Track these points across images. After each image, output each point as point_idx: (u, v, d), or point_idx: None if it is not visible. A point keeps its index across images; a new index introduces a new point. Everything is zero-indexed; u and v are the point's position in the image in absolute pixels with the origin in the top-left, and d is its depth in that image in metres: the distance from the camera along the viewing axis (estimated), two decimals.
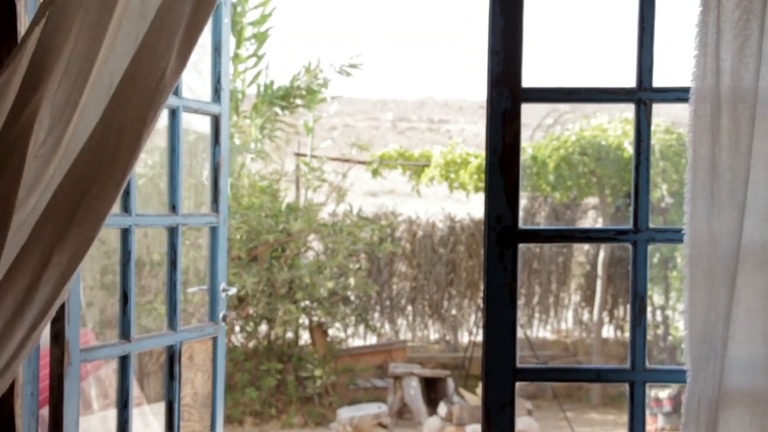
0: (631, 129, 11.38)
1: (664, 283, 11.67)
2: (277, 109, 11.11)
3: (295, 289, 10.76)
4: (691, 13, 2.42)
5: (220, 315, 3.91)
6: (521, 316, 12.79)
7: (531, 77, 2.57)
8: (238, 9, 10.69)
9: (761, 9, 2.34)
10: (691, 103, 2.39)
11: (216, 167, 3.83)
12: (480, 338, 11.56)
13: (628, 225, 2.59)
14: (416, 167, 13.16)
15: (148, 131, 2.33)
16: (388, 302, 13.15)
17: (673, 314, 11.69)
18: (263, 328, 11.07)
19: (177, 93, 3.55)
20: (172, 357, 3.54)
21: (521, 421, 9.35)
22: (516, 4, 2.52)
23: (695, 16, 2.39)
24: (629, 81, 2.58)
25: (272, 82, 11.26)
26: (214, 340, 3.90)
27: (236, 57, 10.89)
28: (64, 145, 2.31)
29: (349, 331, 12.52)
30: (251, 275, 10.29)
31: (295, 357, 10.91)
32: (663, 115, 13.24)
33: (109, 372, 5.00)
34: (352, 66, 11.59)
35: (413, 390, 10.54)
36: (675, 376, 2.74)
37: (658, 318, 12.23)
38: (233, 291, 3.98)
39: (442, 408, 10.07)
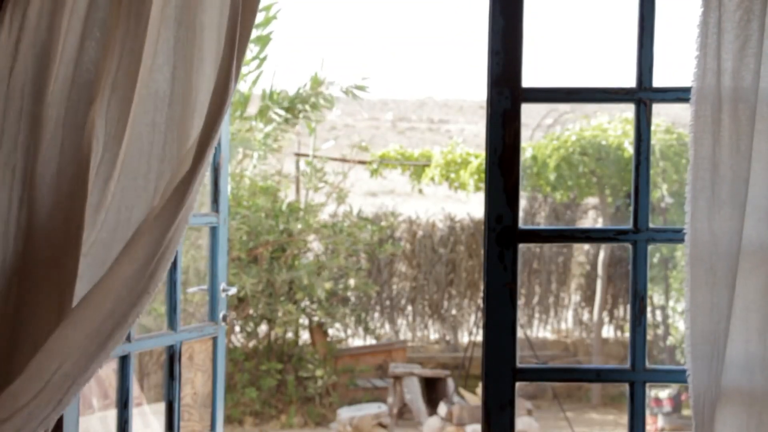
0: (631, 129, 11.37)
1: (664, 283, 11.67)
2: (281, 112, 11.11)
3: (295, 289, 10.76)
4: (691, 13, 2.42)
5: (220, 315, 3.91)
6: (521, 316, 12.79)
7: (531, 77, 2.57)
8: None
9: (762, 9, 2.34)
10: (692, 103, 2.38)
11: (216, 167, 3.83)
12: (480, 338, 11.55)
13: (628, 225, 2.59)
14: (416, 167, 13.16)
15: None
16: (388, 302, 13.14)
17: (673, 314, 11.69)
18: (263, 328, 11.07)
19: None
20: (172, 357, 3.54)
21: (521, 421, 9.35)
22: (516, 4, 2.52)
23: (696, 16, 2.39)
24: (629, 81, 2.58)
25: (278, 93, 11.26)
26: (214, 340, 3.90)
27: None
28: (121, 160, 2.36)
29: (349, 331, 12.52)
30: (251, 275, 10.29)
31: (295, 357, 10.91)
32: (663, 115, 13.24)
33: (109, 372, 5.00)
34: (359, 88, 11.61)
35: (413, 390, 10.54)
36: (675, 376, 2.74)
37: (658, 318, 12.23)
38: (233, 291, 3.98)
39: (442, 408, 10.07)
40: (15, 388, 2.26)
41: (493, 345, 2.53)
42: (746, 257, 2.36)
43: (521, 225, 2.54)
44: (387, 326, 13.15)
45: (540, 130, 13.44)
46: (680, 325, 11.48)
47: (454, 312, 13.18)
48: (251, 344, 11.00)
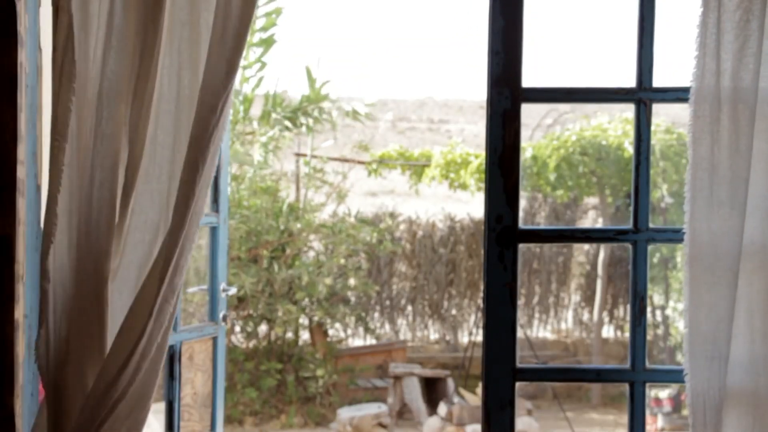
0: (631, 129, 11.37)
1: (664, 283, 11.67)
2: (283, 118, 11.13)
3: (294, 289, 10.76)
4: (691, 13, 2.42)
5: (220, 315, 3.92)
6: (521, 316, 12.79)
7: (531, 77, 2.57)
8: None
9: (761, 9, 2.34)
10: (691, 104, 2.38)
11: (216, 167, 3.83)
12: (480, 338, 11.55)
13: (628, 225, 2.59)
14: (416, 167, 13.15)
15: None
16: (388, 302, 13.14)
17: (673, 314, 11.69)
18: (263, 328, 11.07)
19: None
20: (172, 357, 3.54)
21: (521, 421, 9.35)
22: (516, 4, 2.52)
23: (695, 16, 2.39)
24: (629, 81, 2.58)
25: (281, 97, 11.27)
26: (214, 340, 3.91)
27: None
28: (145, 162, 2.39)
29: (349, 331, 12.52)
30: (251, 275, 10.29)
31: (295, 357, 10.91)
32: (663, 115, 13.24)
33: None
34: (366, 116, 11.64)
35: (413, 390, 10.54)
36: (675, 376, 2.74)
37: (658, 318, 12.23)
38: (233, 291, 3.98)
39: (442, 408, 10.07)
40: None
41: (493, 345, 2.53)
42: (748, 258, 2.35)
43: (521, 225, 2.54)
44: (387, 326, 13.14)
45: (540, 130, 13.44)
46: (680, 325, 11.48)
47: (454, 312, 13.18)
48: (251, 344, 11.00)
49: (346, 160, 12.88)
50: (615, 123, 11.86)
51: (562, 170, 11.54)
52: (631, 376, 2.56)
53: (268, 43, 10.88)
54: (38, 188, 2.55)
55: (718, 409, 2.38)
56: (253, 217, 10.48)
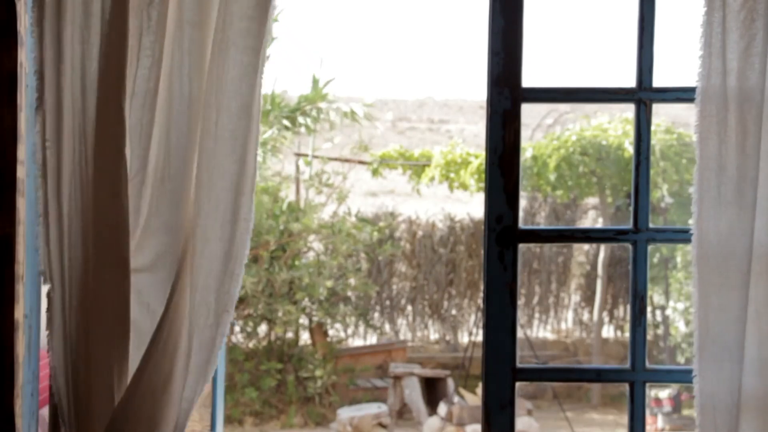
0: (631, 129, 11.38)
1: (664, 283, 11.67)
2: (282, 117, 11.12)
3: (295, 289, 10.76)
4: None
5: None
6: (521, 316, 12.79)
7: (531, 77, 2.57)
8: None
9: (766, 8, 2.34)
10: (697, 104, 2.38)
11: None
12: (480, 338, 11.56)
13: (628, 225, 2.59)
14: (416, 167, 13.16)
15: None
16: (388, 302, 13.15)
17: (673, 314, 11.70)
18: (263, 328, 11.08)
19: None
20: None
21: (521, 421, 9.35)
22: (516, 4, 2.52)
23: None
24: (629, 81, 2.58)
25: (280, 97, 11.27)
26: None
27: None
28: (152, 164, 2.36)
29: (349, 331, 12.53)
30: (251, 275, 10.29)
31: (295, 357, 10.92)
32: (663, 115, 13.25)
33: None
34: (366, 117, 11.64)
35: (413, 390, 10.55)
36: (675, 376, 2.74)
37: (658, 318, 12.24)
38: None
39: (442, 408, 10.07)
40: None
41: (493, 345, 2.53)
42: (756, 260, 2.34)
43: (521, 225, 2.53)
44: (387, 326, 13.15)
45: (540, 130, 13.45)
46: (680, 325, 11.49)
47: (454, 312, 13.19)
48: (251, 344, 11.00)
49: (346, 161, 12.89)
50: (615, 123, 11.87)
51: (562, 170, 11.55)
52: (631, 376, 2.56)
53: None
54: (38, 188, 2.55)
55: (728, 411, 2.36)
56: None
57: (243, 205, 2.37)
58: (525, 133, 12.77)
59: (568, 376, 3.12)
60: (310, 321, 11.27)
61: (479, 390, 9.68)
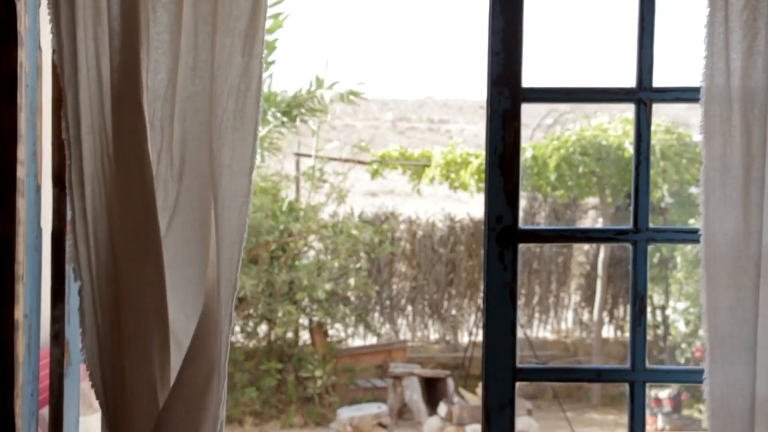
0: (631, 129, 11.38)
1: (664, 283, 11.67)
2: (279, 115, 11.12)
3: (294, 289, 10.76)
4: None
5: None
6: (521, 316, 12.80)
7: (531, 77, 2.57)
8: None
9: None
10: (702, 104, 2.37)
11: None
12: (480, 338, 11.56)
13: (628, 225, 2.59)
14: (416, 167, 13.17)
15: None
16: (388, 302, 13.15)
17: (673, 314, 11.70)
18: (263, 328, 11.08)
19: None
20: None
21: (521, 421, 9.36)
22: (516, 4, 2.52)
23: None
24: (629, 81, 2.58)
25: (276, 94, 11.27)
26: None
27: None
28: (177, 160, 2.36)
29: (349, 331, 12.53)
30: (251, 276, 10.29)
31: (295, 357, 10.92)
32: (663, 115, 13.25)
33: None
34: (355, 94, 11.62)
35: (413, 390, 10.55)
36: (675, 376, 2.74)
37: (658, 318, 12.24)
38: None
39: (442, 408, 10.07)
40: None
41: (493, 345, 2.53)
42: (766, 260, 2.33)
43: (521, 225, 2.53)
44: (387, 326, 13.15)
45: (540, 130, 13.45)
46: (680, 325, 11.49)
47: (454, 312, 13.19)
48: (251, 344, 11.01)
49: (346, 161, 12.90)
50: (615, 123, 11.87)
51: (562, 170, 11.55)
52: (631, 376, 2.56)
53: (269, 47, 10.90)
54: (38, 188, 2.55)
55: (740, 416, 2.34)
56: (253, 217, 10.48)
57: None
58: (525, 133, 12.77)
59: (568, 376, 3.12)
60: (310, 321, 11.27)
61: (479, 390, 9.68)
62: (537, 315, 13.52)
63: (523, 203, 12.90)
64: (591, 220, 13.55)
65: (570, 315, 13.62)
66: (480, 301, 12.52)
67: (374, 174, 13.18)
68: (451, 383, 10.60)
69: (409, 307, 13.23)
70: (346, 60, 32.03)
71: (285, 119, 11.17)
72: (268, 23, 10.63)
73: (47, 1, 2.40)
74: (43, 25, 2.55)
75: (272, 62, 11.11)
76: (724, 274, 2.35)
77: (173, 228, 2.38)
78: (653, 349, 11.97)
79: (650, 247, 2.70)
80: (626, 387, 2.57)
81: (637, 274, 2.55)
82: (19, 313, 2.44)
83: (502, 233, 2.53)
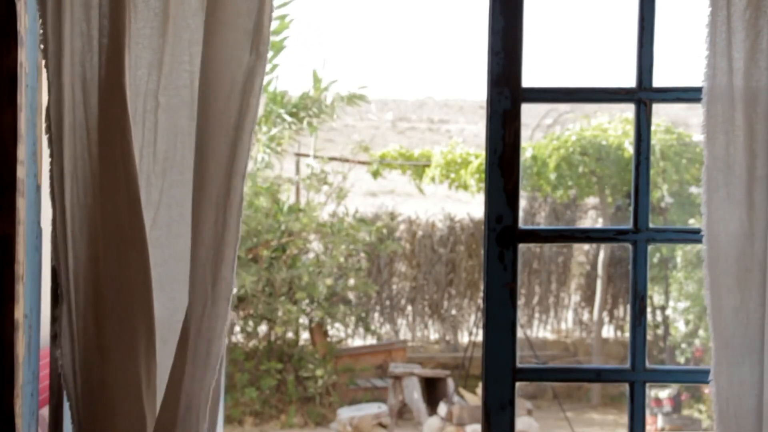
0: (631, 129, 11.38)
1: (664, 283, 11.67)
2: (287, 117, 11.12)
3: (294, 289, 10.76)
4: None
5: None
6: (521, 316, 12.80)
7: (531, 77, 2.57)
8: None
9: None
10: (704, 104, 2.37)
11: None
12: (480, 338, 11.56)
13: (628, 225, 2.59)
14: (416, 167, 13.17)
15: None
16: (388, 302, 13.15)
17: (673, 314, 11.70)
18: (263, 328, 11.08)
19: None
20: None
21: (521, 421, 9.36)
22: (516, 4, 2.52)
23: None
24: (629, 81, 2.58)
25: (282, 95, 11.27)
26: None
27: None
28: (161, 155, 2.34)
29: (349, 330, 12.53)
30: (251, 275, 10.30)
31: (295, 357, 10.92)
32: (663, 115, 13.26)
33: None
34: (358, 97, 11.63)
35: (413, 390, 10.55)
36: (675, 376, 2.74)
37: (658, 318, 12.24)
38: (233, 291, 3.98)
39: (442, 408, 10.07)
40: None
41: (493, 345, 2.53)
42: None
43: (521, 225, 2.53)
44: (387, 326, 13.15)
45: (540, 130, 13.45)
46: (680, 325, 11.50)
47: (454, 312, 13.19)
48: (251, 344, 11.00)
49: (346, 161, 12.90)
50: (615, 123, 11.87)
51: (562, 170, 11.55)
52: (631, 376, 2.56)
53: (276, 47, 10.90)
54: (38, 188, 2.55)
55: (746, 418, 2.33)
56: (253, 217, 10.48)
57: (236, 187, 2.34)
58: (525, 133, 12.77)
59: (568, 376, 3.12)
60: (310, 321, 11.27)
61: (479, 390, 9.68)
62: (537, 315, 13.52)
63: (523, 203, 12.90)
64: (591, 220, 13.55)
65: (570, 315, 13.62)
66: (480, 301, 12.52)
67: (375, 174, 13.18)
68: (451, 383, 10.60)
69: (409, 307, 13.23)
70: (346, 60, 32.03)
71: (292, 119, 11.18)
72: (275, 24, 10.64)
73: (31, 1, 2.38)
74: None
75: (277, 65, 11.12)
76: (728, 274, 2.34)
77: (158, 224, 2.36)
78: (653, 349, 11.97)
79: (650, 247, 2.70)
80: (626, 387, 2.57)
81: (637, 274, 2.55)
82: (19, 313, 2.44)
83: (502, 233, 2.53)
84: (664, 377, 2.65)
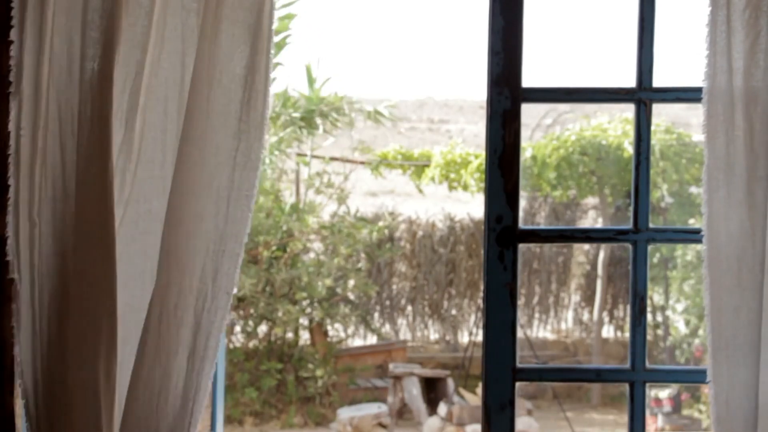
0: (631, 129, 11.38)
1: (664, 283, 11.67)
2: (297, 119, 11.12)
3: (294, 289, 10.76)
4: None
5: None
6: (521, 316, 12.80)
7: (531, 77, 2.57)
8: None
9: None
10: (704, 103, 2.36)
11: None
12: (480, 338, 11.56)
13: (628, 225, 2.58)
14: (416, 167, 13.17)
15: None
16: (388, 302, 13.15)
17: (673, 314, 11.70)
18: (263, 328, 11.08)
19: None
20: None
21: (521, 421, 9.36)
22: (516, 4, 2.52)
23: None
24: (629, 81, 2.58)
25: (294, 101, 11.25)
26: None
27: None
28: (135, 152, 2.30)
29: (349, 330, 12.53)
30: (251, 275, 10.29)
31: (295, 357, 10.92)
32: (663, 115, 13.25)
33: None
34: (379, 113, 11.65)
35: (413, 390, 10.55)
36: (675, 376, 2.74)
37: (658, 318, 12.24)
38: (233, 291, 3.97)
39: (442, 408, 10.07)
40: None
41: (493, 345, 2.53)
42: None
43: (521, 225, 2.53)
44: (387, 326, 13.15)
45: (540, 130, 13.44)
46: (680, 325, 11.50)
47: (454, 312, 13.19)
48: (251, 344, 11.00)
49: (347, 161, 12.89)
50: (615, 123, 11.87)
51: (562, 170, 11.55)
52: (631, 376, 2.56)
53: (279, 46, 10.91)
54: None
55: (744, 419, 2.33)
56: (253, 218, 10.47)
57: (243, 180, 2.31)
58: (525, 133, 12.77)
59: (568, 376, 3.12)
60: (310, 321, 11.27)
61: (479, 390, 9.68)
62: (537, 315, 13.52)
63: (523, 203, 12.90)
64: (591, 220, 13.55)
65: (570, 315, 13.62)
66: (480, 301, 12.52)
67: (374, 173, 13.18)
68: (451, 383, 10.60)
69: (409, 307, 13.23)
70: (346, 60, 32.03)
71: (302, 124, 11.15)
72: (275, 24, 10.61)
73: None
74: None
75: (278, 64, 11.11)
76: (728, 274, 2.33)
77: (125, 220, 2.31)
78: (653, 349, 11.97)
79: (650, 247, 2.70)
80: (626, 387, 2.57)
81: (637, 274, 2.55)
82: None
83: (502, 233, 2.53)
84: (664, 377, 2.65)
